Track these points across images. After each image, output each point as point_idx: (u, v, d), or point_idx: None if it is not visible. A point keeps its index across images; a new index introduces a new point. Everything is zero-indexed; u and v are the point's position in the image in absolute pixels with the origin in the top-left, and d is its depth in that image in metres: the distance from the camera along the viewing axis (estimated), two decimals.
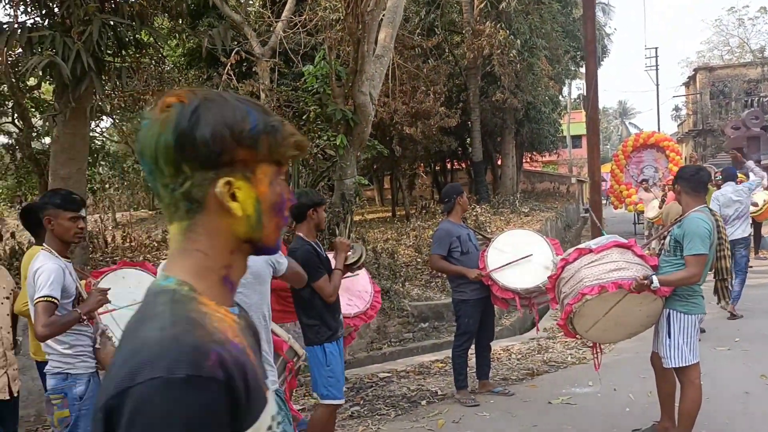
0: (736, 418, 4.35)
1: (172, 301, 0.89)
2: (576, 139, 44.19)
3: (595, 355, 4.12)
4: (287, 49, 11.13)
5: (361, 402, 5.43)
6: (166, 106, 0.92)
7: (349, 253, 3.94)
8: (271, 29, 10.97)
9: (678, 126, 45.11)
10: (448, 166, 24.08)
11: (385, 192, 23.91)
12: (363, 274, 4.85)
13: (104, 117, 11.98)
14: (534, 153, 26.61)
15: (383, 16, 8.95)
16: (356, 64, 8.07)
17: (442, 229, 5.22)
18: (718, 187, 8.05)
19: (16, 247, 6.50)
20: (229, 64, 10.65)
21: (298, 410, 4.77)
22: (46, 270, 2.77)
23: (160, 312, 0.87)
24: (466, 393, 5.25)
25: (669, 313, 3.66)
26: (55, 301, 2.73)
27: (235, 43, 11.19)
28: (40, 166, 14.78)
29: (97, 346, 2.95)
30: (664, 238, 3.77)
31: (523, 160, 26.56)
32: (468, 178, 24.25)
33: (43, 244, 2.96)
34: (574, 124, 42.01)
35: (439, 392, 5.59)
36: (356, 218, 9.52)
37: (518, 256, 5.04)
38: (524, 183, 26.43)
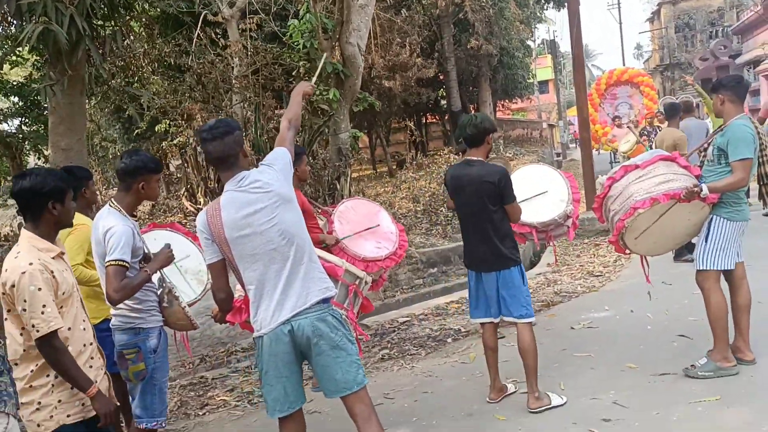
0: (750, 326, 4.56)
1: None
2: (543, 85, 44.36)
3: (644, 268, 4.18)
4: (258, 9, 10.88)
5: (389, 345, 5.56)
6: None
7: None
8: None
9: (643, 63, 45.50)
10: (424, 120, 24.03)
11: (363, 151, 23.81)
12: (385, 215, 4.90)
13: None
14: (506, 101, 26.71)
15: None
16: (342, 15, 7.95)
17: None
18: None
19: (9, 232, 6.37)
20: (200, 26, 10.41)
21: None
22: (117, 232, 2.76)
23: None
24: None
25: (712, 219, 3.77)
26: (126, 264, 2.74)
27: (202, 6, 10.89)
28: (11, 149, 14.35)
29: (164, 304, 2.97)
30: (705, 150, 3.86)
31: (497, 109, 26.65)
32: (442, 131, 24.26)
33: (112, 200, 2.93)
34: (540, 69, 42.09)
35: (462, 329, 5.75)
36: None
37: (534, 191, 5.12)
38: (499, 131, 26.54)
